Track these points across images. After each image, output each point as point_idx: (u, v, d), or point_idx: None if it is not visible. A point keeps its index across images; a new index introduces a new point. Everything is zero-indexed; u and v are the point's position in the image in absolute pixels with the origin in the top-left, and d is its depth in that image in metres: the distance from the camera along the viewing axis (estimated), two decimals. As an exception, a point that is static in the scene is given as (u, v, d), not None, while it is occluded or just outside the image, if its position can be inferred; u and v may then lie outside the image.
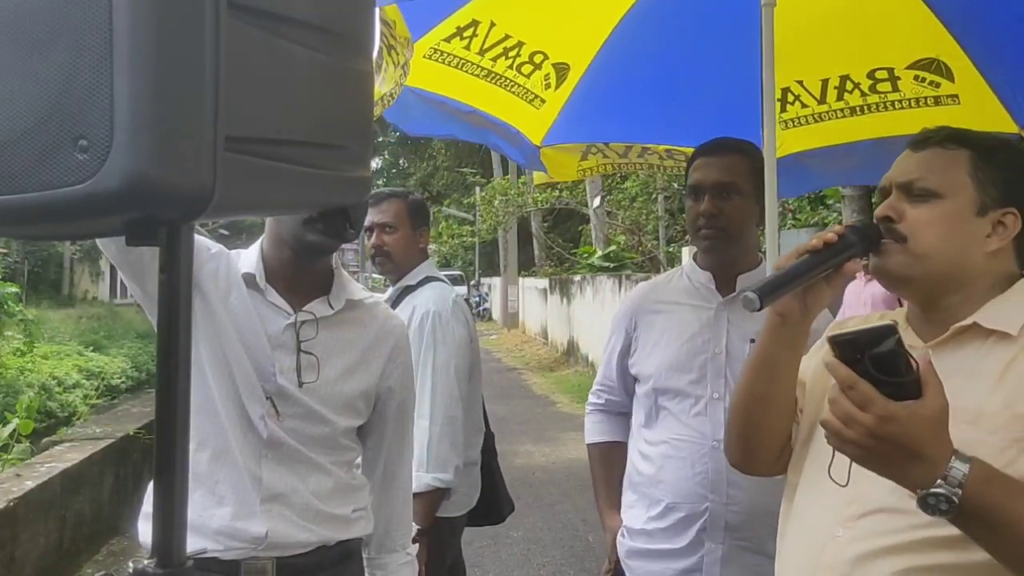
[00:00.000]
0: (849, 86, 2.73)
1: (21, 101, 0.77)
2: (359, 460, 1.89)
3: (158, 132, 0.74)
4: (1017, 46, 2.49)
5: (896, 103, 2.71)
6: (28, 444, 5.44)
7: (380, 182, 36.82)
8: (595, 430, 2.36)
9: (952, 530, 1.05)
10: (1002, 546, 1.02)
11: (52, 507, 4.46)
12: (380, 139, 36.18)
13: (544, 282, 19.77)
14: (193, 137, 0.76)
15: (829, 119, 2.80)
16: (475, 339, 2.73)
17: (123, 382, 13.68)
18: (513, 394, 12.23)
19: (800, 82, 2.79)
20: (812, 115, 2.83)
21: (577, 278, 16.19)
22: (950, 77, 2.61)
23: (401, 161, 41.34)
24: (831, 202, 9.40)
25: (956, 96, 2.64)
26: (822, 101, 2.79)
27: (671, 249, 14.73)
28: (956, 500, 0.98)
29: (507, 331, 24.44)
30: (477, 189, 25.32)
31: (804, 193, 7.80)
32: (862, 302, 5.27)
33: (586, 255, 17.41)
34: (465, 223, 26.70)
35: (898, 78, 2.67)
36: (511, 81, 2.72)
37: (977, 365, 1.17)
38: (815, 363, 1.36)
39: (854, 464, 1.07)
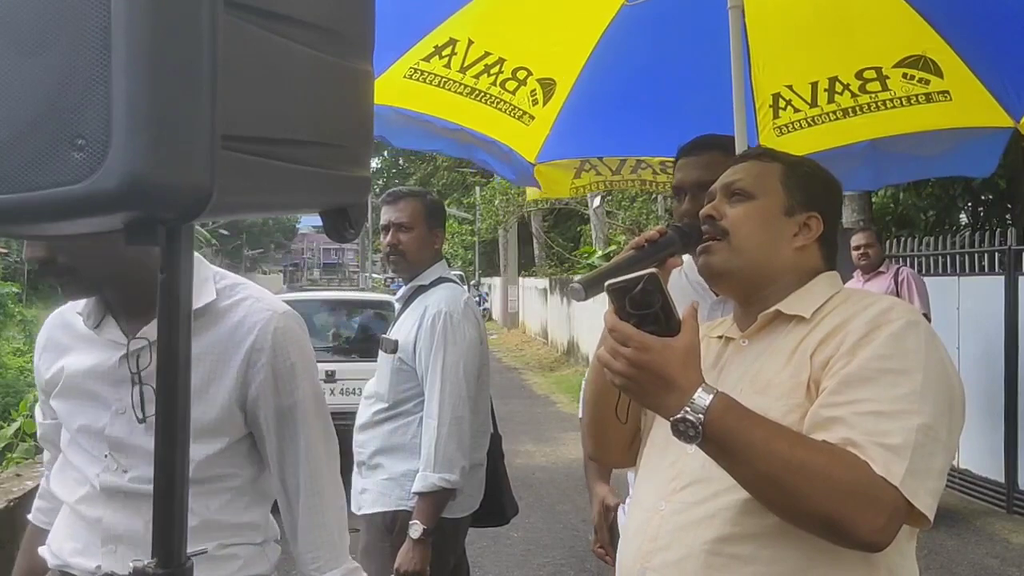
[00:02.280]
0: (839, 88, 2.71)
1: (18, 100, 0.76)
2: (260, 485, 1.64)
3: (155, 131, 0.73)
4: (1003, 39, 2.48)
5: (887, 102, 2.69)
6: (32, 443, 5.44)
7: (380, 182, 36.80)
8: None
9: (745, 495, 1.19)
10: (741, 470, 1.16)
11: (52, 507, 4.45)
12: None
13: (544, 282, 19.77)
14: (191, 136, 0.76)
15: (823, 122, 2.78)
16: (485, 341, 2.73)
17: (123, 382, 13.69)
18: (513, 394, 12.23)
19: (790, 86, 2.76)
20: (805, 119, 2.81)
21: (577, 278, 16.18)
22: (939, 73, 2.59)
23: (401, 161, 41.33)
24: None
25: (947, 92, 2.62)
26: (814, 104, 2.77)
27: (671, 249, 14.71)
28: (700, 426, 1.12)
29: (507, 331, 24.43)
30: (477, 189, 25.31)
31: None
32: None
33: (586, 255, 17.41)
34: (465, 223, 26.69)
35: (887, 77, 2.65)
36: (496, 98, 2.70)
37: (778, 346, 1.33)
38: None
39: (666, 434, 1.19)
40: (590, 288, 1.30)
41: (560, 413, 10.75)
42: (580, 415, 2.28)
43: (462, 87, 2.64)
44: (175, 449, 0.95)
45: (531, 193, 3.50)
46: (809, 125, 2.81)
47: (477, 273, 32.07)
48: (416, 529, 2.43)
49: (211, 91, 0.76)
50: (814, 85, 2.74)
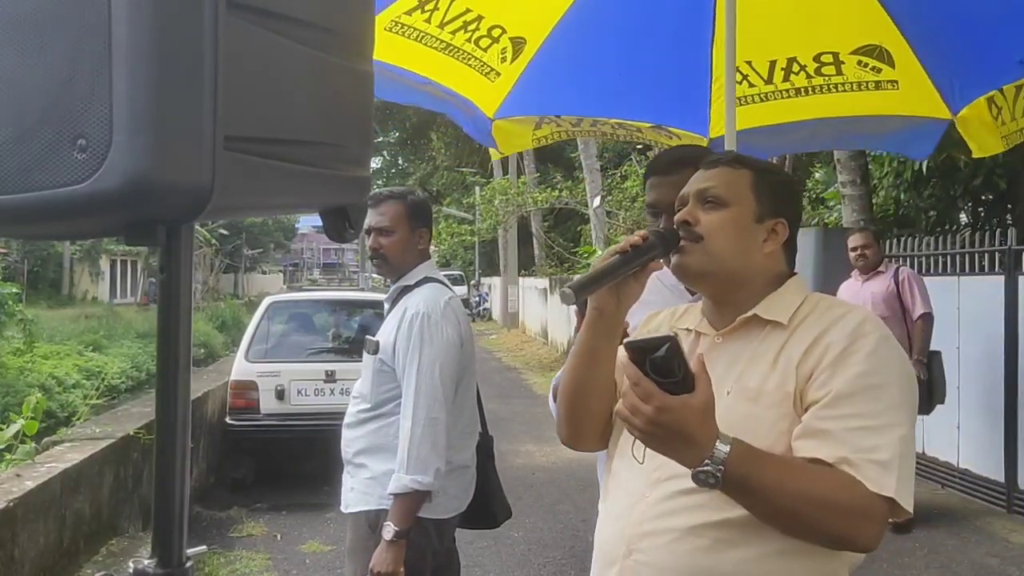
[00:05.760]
0: (796, 68, 2.82)
1: (20, 101, 0.76)
2: None
3: (157, 132, 0.74)
4: (956, 35, 2.58)
5: (839, 86, 2.81)
6: (33, 444, 5.43)
7: (380, 182, 36.76)
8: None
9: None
10: (758, 507, 1.28)
11: (52, 507, 4.45)
12: (380, 139, 36.17)
13: (544, 282, 19.76)
14: (192, 137, 0.76)
15: (775, 99, 2.88)
16: (467, 342, 2.70)
17: (123, 382, 13.71)
18: (513, 394, 12.23)
19: (749, 62, 2.86)
20: (759, 94, 2.92)
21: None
22: (891, 63, 2.71)
23: (400, 161, 41.33)
24: (832, 203, 9.40)
25: (896, 82, 2.74)
26: (769, 81, 2.87)
27: (671, 249, 14.73)
28: (719, 475, 1.22)
29: (507, 331, 24.43)
30: (477, 189, 25.31)
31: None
32: (861, 300, 5.28)
33: (586, 255, 17.42)
34: (465, 223, 26.70)
35: (842, 62, 2.76)
36: (468, 54, 2.78)
37: (758, 350, 1.42)
38: None
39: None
40: (580, 292, 1.37)
41: (560, 413, 10.74)
42: (552, 403, 2.28)
43: (439, 42, 2.70)
44: (175, 448, 0.95)
45: (493, 154, 3.59)
46: (761, 100, 2.92)
47: (477, 273, 32.08)
48: (388, 530, 2.42)
49: (212, 92, 0.76)
50: (772, 63, 2.83)
